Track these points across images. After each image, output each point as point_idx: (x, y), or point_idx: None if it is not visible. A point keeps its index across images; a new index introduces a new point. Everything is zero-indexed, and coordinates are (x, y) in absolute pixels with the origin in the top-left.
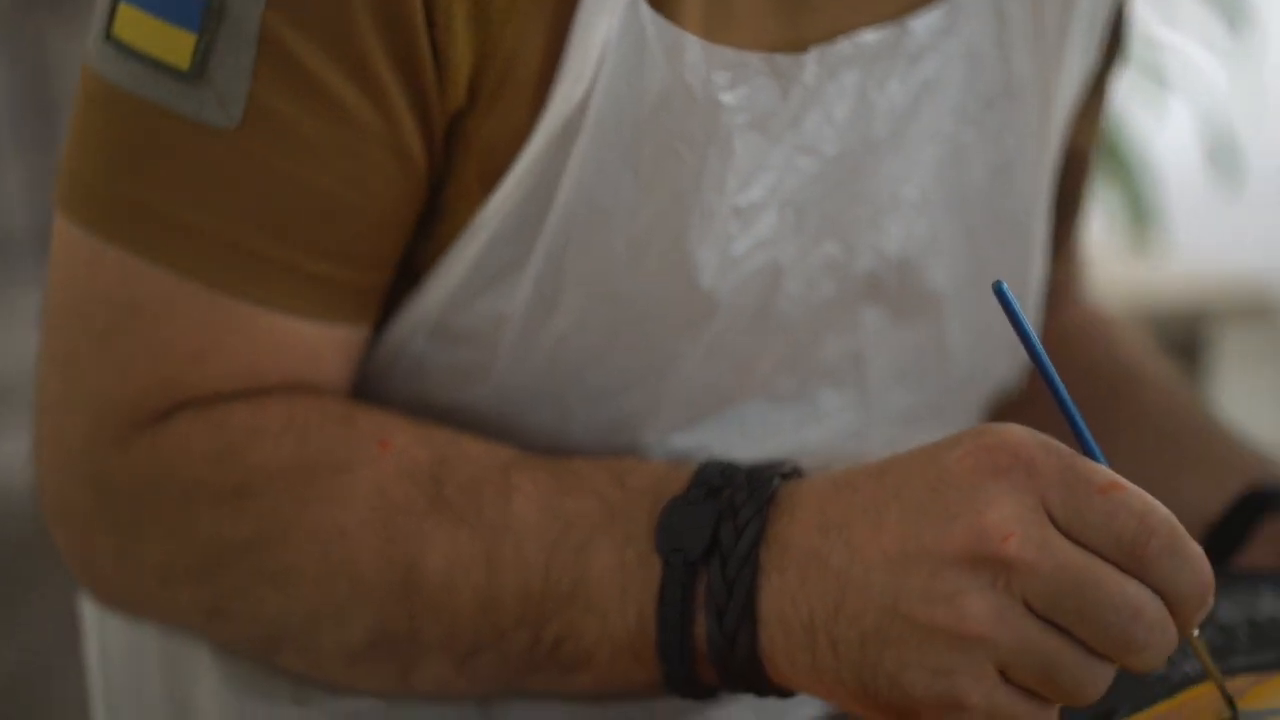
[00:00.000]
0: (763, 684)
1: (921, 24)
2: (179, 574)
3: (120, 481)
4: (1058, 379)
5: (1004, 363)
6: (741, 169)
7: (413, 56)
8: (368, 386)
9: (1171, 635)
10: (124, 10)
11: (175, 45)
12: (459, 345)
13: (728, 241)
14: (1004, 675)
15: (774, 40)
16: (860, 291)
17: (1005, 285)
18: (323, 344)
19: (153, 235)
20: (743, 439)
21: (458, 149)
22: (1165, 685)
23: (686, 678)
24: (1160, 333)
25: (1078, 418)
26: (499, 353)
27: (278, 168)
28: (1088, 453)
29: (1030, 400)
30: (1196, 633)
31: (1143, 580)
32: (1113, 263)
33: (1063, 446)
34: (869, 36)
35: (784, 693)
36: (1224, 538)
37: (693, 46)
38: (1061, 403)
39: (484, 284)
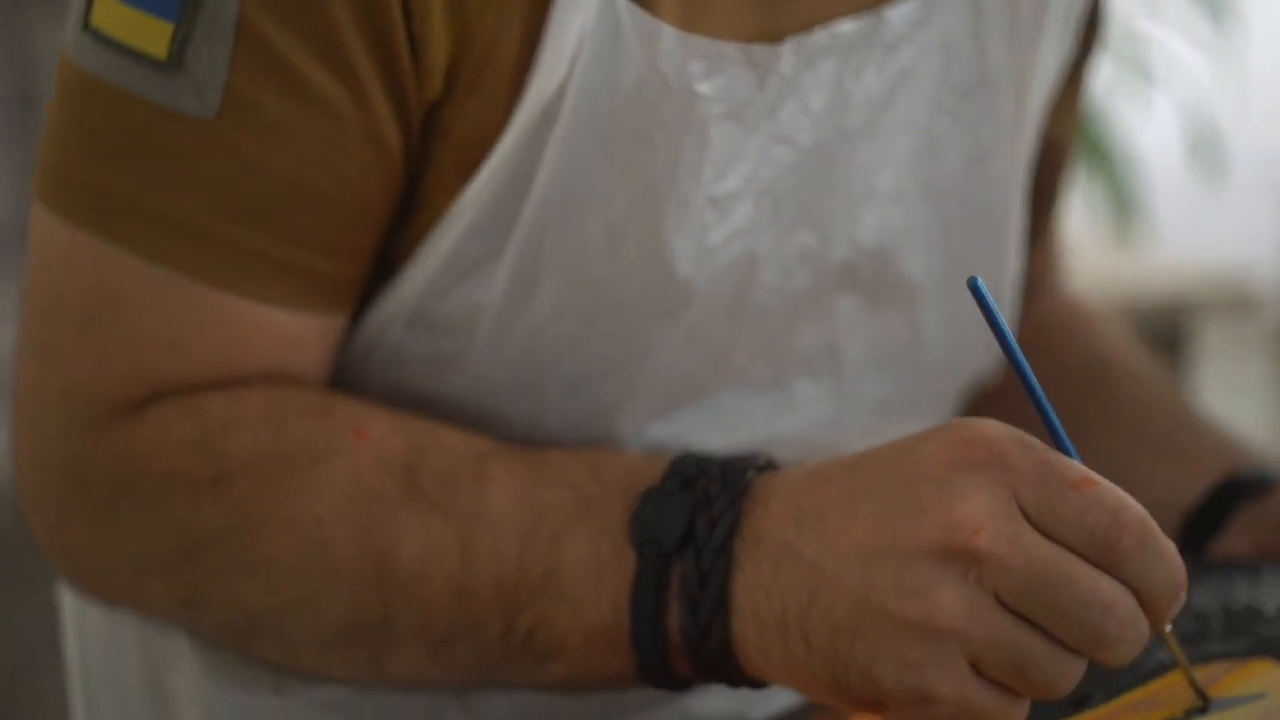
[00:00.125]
0: (735, 675)
1: (897, 14)
2: (155, 562)
3: (97, 470)
4: (1031, 375)
5: (979, 353)
6: (717, 159)
7: (390, 47)
8: (345, 376)
9: (1143, 631)
10: (102, 0)
11: (153, 35)
12: (436, 334)
13: (704, 231)
14: (975, 669)
15: (750, 30)
16: (835, 281)
17: (980, 281)
18: (300, 333)
19: (130, 224)
20: (718, 428)
21: (435, 139)
22: (1139, 673)
23: (660, 668)
24: (1142, 325)
25: (1051, 413)
26: (476, 342)
27: (255, 157)
28: (1061, 447)
29: (1005, 390)
30: (1169, 627)
31: (1115, 576)
32: (1096, 255)
33: (1036, 442)
34: (845, 27)
35: (757, 684)
36: (1200, 526)
37: (669, 36)
38: (1035, 399)
39: (461, 273)
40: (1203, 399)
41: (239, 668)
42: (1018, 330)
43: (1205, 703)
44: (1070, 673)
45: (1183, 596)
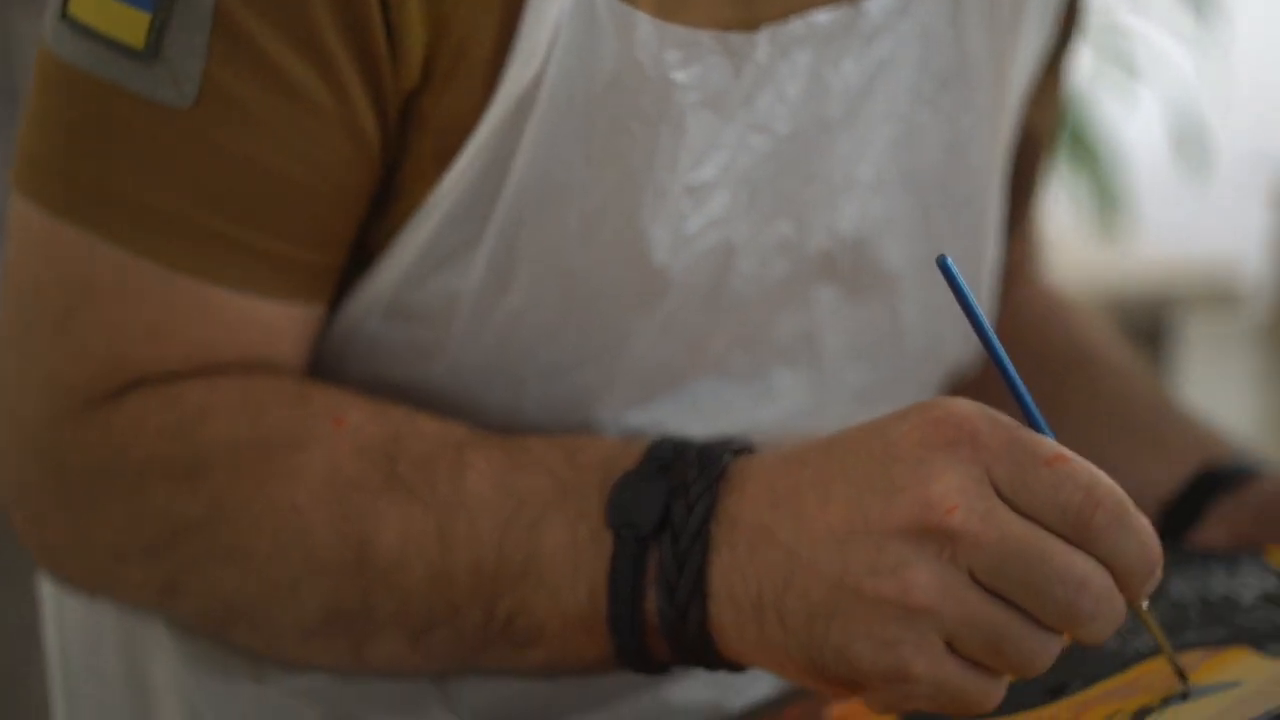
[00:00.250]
0: (714, 658)
1: (876, 5)
2: (133, 551)
3: (75, 459)
4: (1002, 352)
5: (958, 342)
6: (694, 147)
7: (366, 36)
8: (323, 365)
9: (1119, 607)
10: None
11: (130, 24)
12: (414, 323)
13: (680, 220)
14: (951, 647)
15: (727, 19)
16: (814, 271)
17: (949, 259)
18: (278, 322)
19: (107, 214)
20: (696, 417)
21: (412, 128)
22: (1117, 660)
23: (638, 652)
24: (1127, 319)
25: (1023, 390)
26: (453, 331)
27: (231, 147)
28: (1033, 425)
29: (985, 379)
30: (1146, 604)
31: (1089, 552)
32: (1080, 249)
33: (1009, 419)
34: (822, 16)
35: (735, 667)
36: (1178, 517)
37: (645, 25)
38: (1005, 373)
39: (438, 262)
40: (1186, 393)
41: (218, 656)
42: (996, 319)
43: (1185, 682)
44: (1046, 650)
45: (1159, 572)
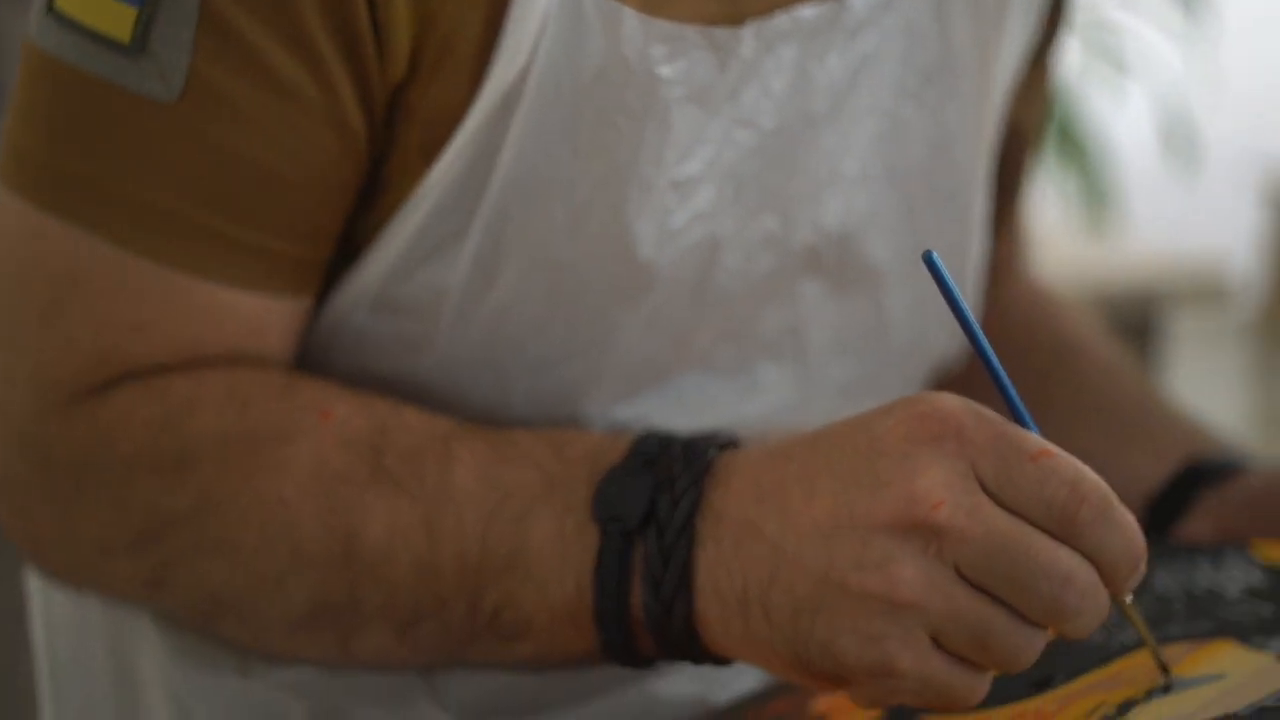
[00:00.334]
0: (699, 653)
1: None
2: (119, 544)
3: (61, 452)
4: (987, 345)
5: (943, 336)
6: (679, 142)
7: (353, 30)
8: (310, 358)
9: (1103, 602)
10: None
11: (117, 18)
12: (401, 316)
13: (666, 214)
14: (936, 642)
15: (712, 14)
16: (799, 265)
17: (935, 255)
18: (264, 316)
19: (94, 208)
20: (682, 412)
21: (398, 121)
22: (1102, 653)
23: (624, 646)
24: (1115, 315)
25: (1007, 383)
26: (440, 324)
27: (218, 141)
28: (1019, 419)
29: (971, 374)
30: (1130, 599)
31: (1074, 547)
32: (1069, 245)
33: (994, 414)
34: (807, 11)
35: (721, 661)
36: (1163, 511)
37: (631, 19)
38: (991, 368)
39: (425, 256)
40: (1175, 389)
41: (205, 650)
42: (983, 315)
43: (1167, 675)
44: (1031, 645)
45: (1143, 567)
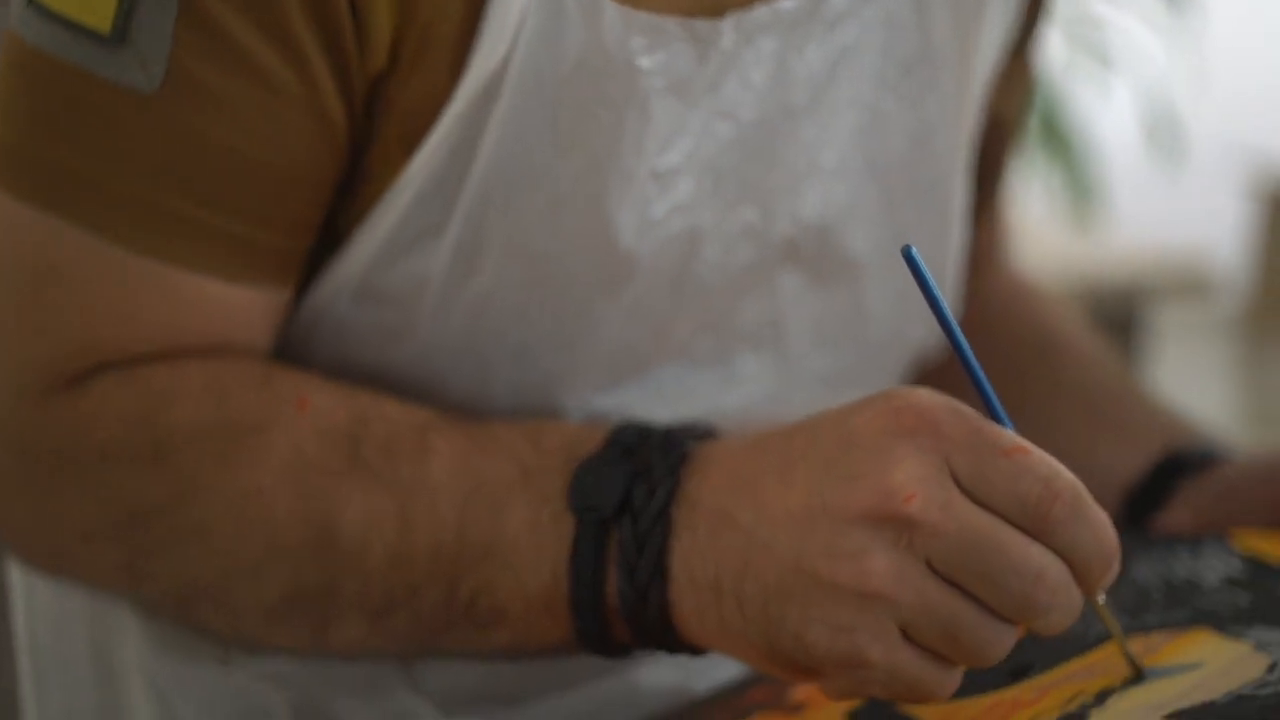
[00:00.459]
0: (674, 642)
1: None
2: (98, 533)
3: (40, 442)
4: (964, 340)
5: (923, 329)
6: (659, 133)
7: (333, 20)
8: (291, 348)
9: (1075, 599)
10: None
11: (97, 9)
12: (381, 306)
13: (646, 205)
14: (906, 635)
15: (692, 5)
16: (778, 257)
17: (914, 250)
18: (243, 306)
19: (73, 198)
20: (661, 402)
21: (379, 112)
22: (1080, 643)
23: (599, 635)
24: (1100, 309)
25: (983, 379)
26: (421, 314)
27: (198, 131)
28: (993, 415)
29: (950, 367)
30: (1102, 597)
31: (1047, 544)
32: (1053, 239)
33: (970, 410)
34: (787, 3)
35: (696, 650)
36: (1142, 501)
37: (610, 11)
38: (967, 364)
39: (406, 246)
40: (1159, 383)
41: (185, 640)
42: (963, 307)
43: (1138, 672)
44: (1001, 640)
45: (1115, 566)
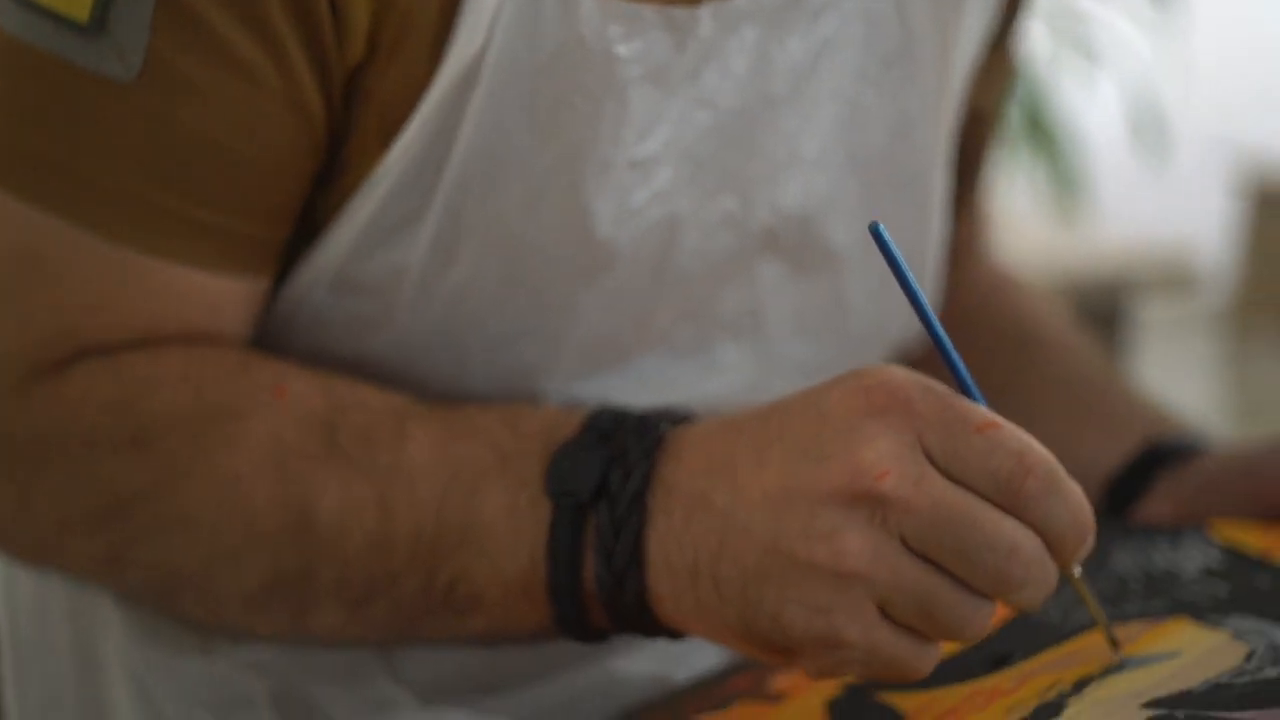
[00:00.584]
0: (651, 626)
1: None
2: (77, 522)
3: (19, 430)
4: (933, 315)
5: (903, 318)
6: (637, 121)
7: (311, 11)
8: (269, 338)
9: (1050, 573)
10: None
11: None
12: (360, 296)
13: (625, 193)
14: (884, 613)
15: None
16: (758, 246)
17: (881, 226)
18: (222, 295)
19: (52, 187)
20: (642, 390)
21: (357, 102)
22: (1059, 632)
23: (577, 620)
24: (1084, 303)
25: (953, 353)
26: (399, 303)
27: (175, 121)
28: (965, 391)
29: (930, 359)
30: (1079, 572)
31: (1020, 518)
32: (1038, 233)
33: (942, 386)
34: None
35: (674, 635)
36: (1122, 492)
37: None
38: (937, 339)
39: (384, 235)
40: (1143, 377)
41: (166, 630)
42: (943, 299)
43: (1117, 650)
44: (978, 615)
45: (1090, 539)
